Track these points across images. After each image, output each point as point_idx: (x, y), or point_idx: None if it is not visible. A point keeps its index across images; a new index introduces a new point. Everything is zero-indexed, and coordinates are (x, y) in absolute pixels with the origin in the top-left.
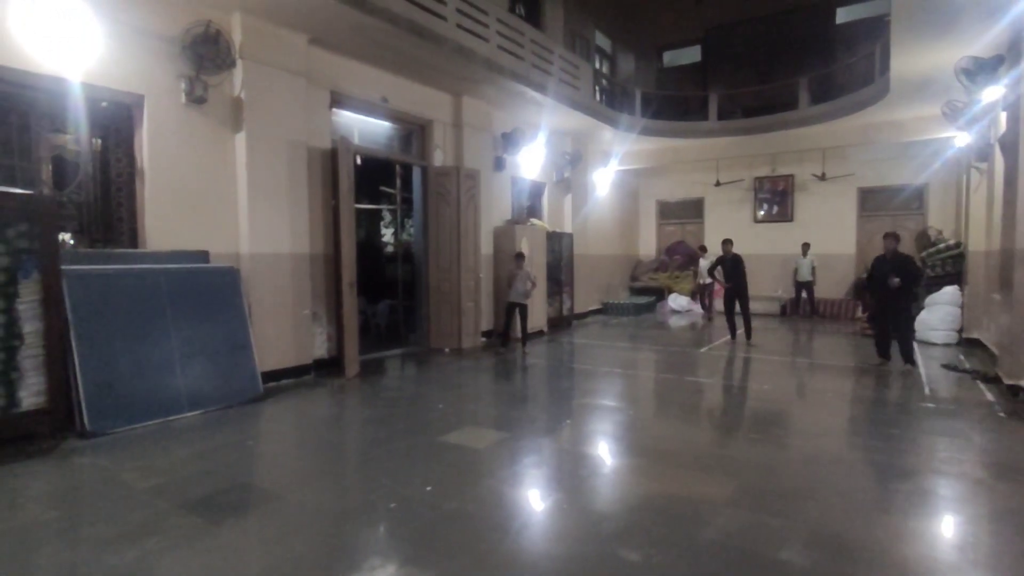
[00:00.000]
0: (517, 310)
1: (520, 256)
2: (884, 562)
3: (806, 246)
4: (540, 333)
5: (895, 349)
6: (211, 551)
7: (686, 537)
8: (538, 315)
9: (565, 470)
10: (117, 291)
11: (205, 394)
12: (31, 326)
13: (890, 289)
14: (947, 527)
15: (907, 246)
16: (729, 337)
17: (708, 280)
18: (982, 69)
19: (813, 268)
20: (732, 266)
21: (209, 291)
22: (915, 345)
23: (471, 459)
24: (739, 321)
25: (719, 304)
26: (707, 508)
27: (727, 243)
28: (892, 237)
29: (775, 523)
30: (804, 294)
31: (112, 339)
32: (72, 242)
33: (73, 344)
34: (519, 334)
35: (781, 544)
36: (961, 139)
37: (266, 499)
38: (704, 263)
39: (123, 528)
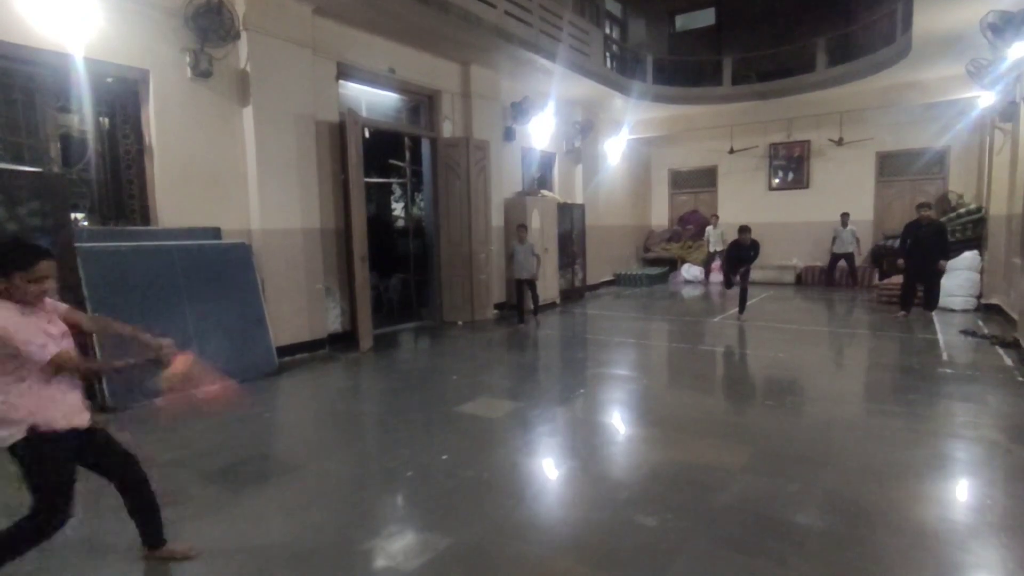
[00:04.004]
0: (525, 286)
1: (522, 227)
2: (901, 525)
3: (845, 216)
4: (553, 305)
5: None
6: (233, 519)
7: (702, 503)
8: (550, 287)
9: (579, 438)
10: (131, 268)
11: (221, 369)
12: None
13: (927, 249)
14: (964, 490)
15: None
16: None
17: (717, 248)
18: (1010, 24)
19: (857, 239)
20: (749, 249)
21: (222, 267)
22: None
23: (486, 428)
24: (750, 292)
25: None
26: (723, 474)
27: (745, 230)
28: (926, 206)
29: (791, 488)
30: (844, 264)
31: (128, 315)
32: (84, 221)
33: None
34: (531, 306)
35: (798, 508)
36: (985, 99)
37: (285, 469)
38: (712, 230)
39: None
